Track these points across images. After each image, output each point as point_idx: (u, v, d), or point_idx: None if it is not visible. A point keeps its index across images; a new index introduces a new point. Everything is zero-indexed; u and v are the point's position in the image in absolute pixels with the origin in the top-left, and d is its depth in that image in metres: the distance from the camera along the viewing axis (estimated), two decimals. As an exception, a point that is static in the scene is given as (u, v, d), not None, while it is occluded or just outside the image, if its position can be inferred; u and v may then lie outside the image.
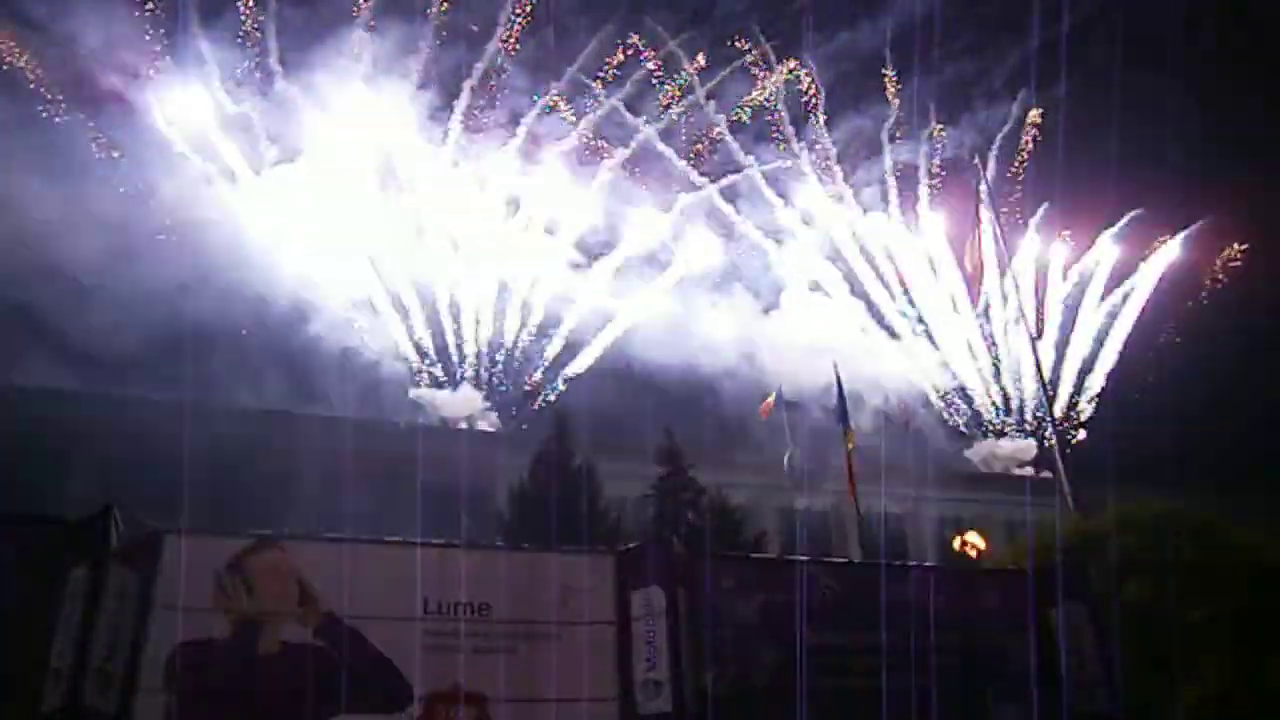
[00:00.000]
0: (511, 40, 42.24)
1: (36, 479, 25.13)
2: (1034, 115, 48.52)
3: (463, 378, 40.76)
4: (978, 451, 47.37)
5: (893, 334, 46.95)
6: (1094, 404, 48.04)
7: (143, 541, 9.72)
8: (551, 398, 41.34)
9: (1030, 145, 49.00)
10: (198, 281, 34.52)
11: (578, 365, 42.45)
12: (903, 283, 47.75)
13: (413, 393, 39.96)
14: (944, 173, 48.27)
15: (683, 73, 44.89)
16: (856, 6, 47.13)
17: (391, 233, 40.48)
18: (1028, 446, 47.38)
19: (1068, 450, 32.79)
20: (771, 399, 33.30)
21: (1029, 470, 46.32)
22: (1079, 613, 12.83)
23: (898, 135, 48.35)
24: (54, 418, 28.34)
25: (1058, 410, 46.38)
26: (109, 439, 27.39)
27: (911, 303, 47.76)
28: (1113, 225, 49.27)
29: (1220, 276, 48.53)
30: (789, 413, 34.66)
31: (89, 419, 28.82)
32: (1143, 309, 49.07)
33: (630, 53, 43.69)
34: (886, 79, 47.63)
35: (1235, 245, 48.60)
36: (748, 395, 39.67)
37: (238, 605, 9.91)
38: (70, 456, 28.03)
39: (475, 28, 41.84)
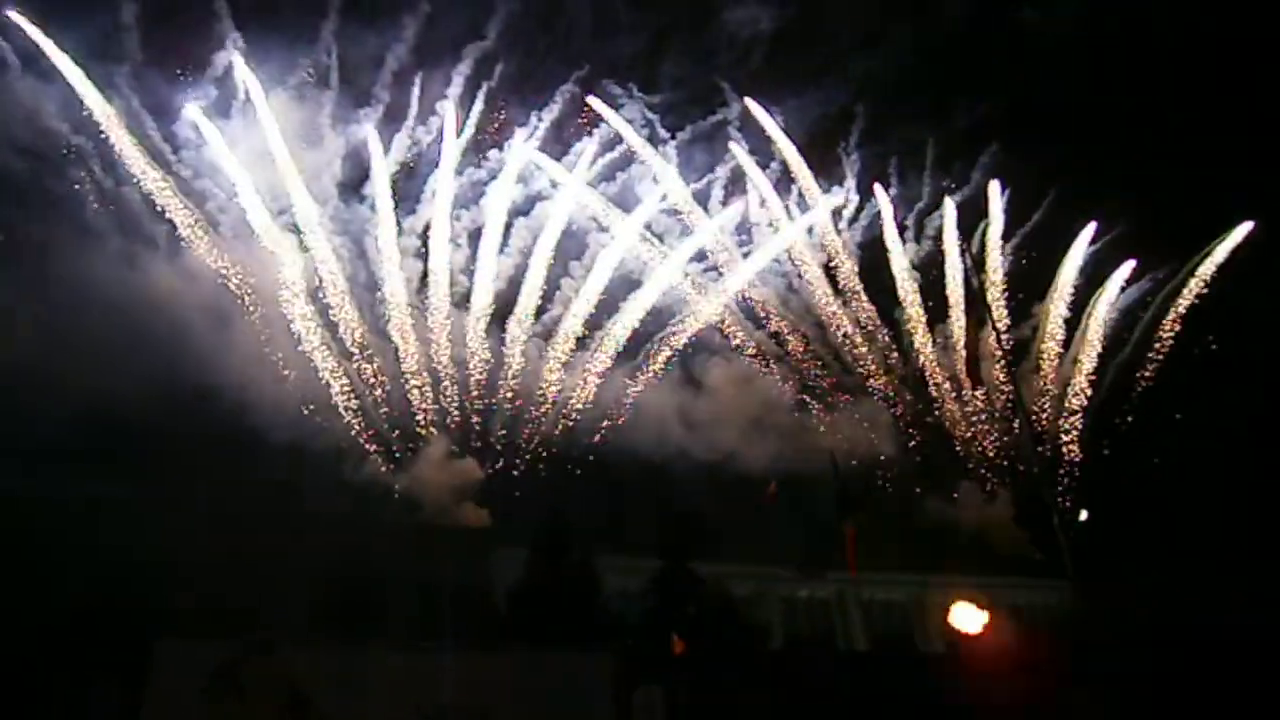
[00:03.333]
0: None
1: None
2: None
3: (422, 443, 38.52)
4: (942, 507, 44.85)
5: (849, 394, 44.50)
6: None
7: (128, 649, 9.39)
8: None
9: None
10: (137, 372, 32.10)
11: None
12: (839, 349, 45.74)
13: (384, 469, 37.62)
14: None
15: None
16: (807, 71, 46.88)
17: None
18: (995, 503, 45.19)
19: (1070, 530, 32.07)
20: (774, 486, 33.31)
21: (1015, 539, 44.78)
22: (1095, 695, 12.56)
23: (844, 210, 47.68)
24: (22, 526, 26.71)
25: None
26: (92, 542, 26.20)
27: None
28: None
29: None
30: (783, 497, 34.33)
31: (56, 523, 27.12)
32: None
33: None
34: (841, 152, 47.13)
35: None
36: (710, 479, 37.69)
37: (229, 715, 9.55)
38: (43, 563, 26.24)
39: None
